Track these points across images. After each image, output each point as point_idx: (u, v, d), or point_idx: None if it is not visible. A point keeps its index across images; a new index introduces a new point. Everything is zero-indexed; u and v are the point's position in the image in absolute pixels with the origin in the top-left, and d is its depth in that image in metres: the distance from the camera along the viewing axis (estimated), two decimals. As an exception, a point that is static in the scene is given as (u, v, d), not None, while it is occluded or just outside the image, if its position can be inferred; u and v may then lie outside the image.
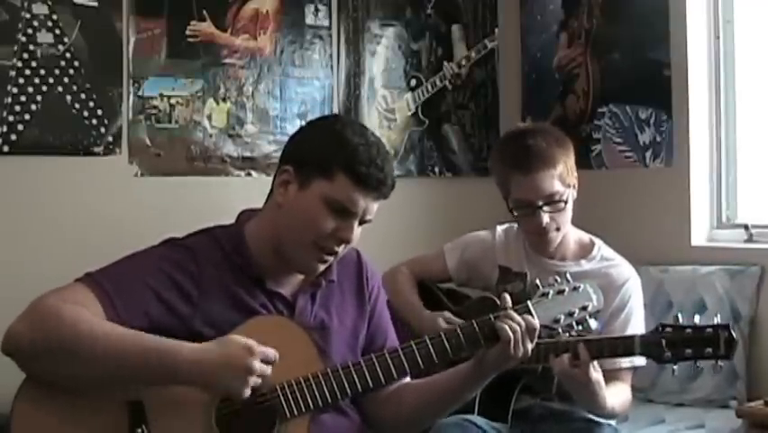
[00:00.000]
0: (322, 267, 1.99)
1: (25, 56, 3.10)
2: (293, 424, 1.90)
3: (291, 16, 3.67)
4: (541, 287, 2.07)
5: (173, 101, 3.41)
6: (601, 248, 2.63)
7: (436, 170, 4.02)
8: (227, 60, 3.53)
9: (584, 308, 2.06)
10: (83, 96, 3.21)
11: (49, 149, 3.15)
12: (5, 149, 3.07)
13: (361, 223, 1.97)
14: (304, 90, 3.69)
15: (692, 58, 3.59)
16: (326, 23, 3.76)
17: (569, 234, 2.60)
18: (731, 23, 3.62)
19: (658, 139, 3.68)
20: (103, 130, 3.26)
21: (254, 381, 1.81)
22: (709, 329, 2.16)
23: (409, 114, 3.97)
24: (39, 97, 3.13)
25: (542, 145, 2.48)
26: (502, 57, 4.16)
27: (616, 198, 3.77)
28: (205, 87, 3.48)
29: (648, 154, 3.71)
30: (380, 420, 2.09)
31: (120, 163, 3.30)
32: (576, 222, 2.61)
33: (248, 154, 3.55)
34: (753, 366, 3.28)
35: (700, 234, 3.61)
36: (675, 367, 2.19)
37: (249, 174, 3.55)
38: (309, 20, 3.72)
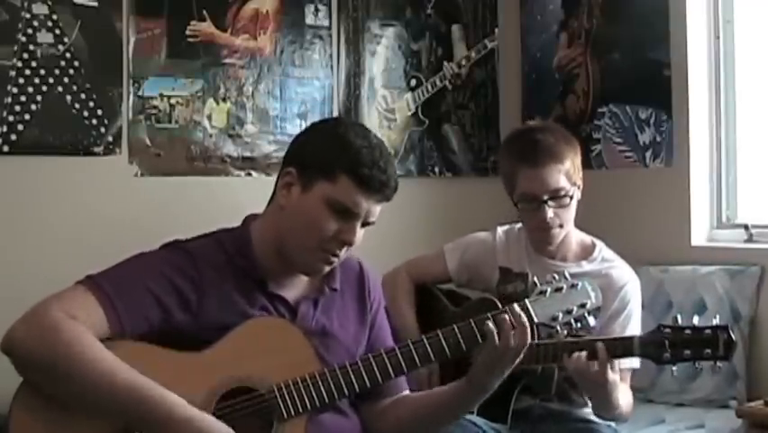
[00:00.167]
0: (327, 268, 2.00)
1: (25, 56, 3.10)
2: (290, 424, 1.90)
3: (291, 16, 3.67)
4: (539, 285, 2.07)
5: (173, 101, 3.41)
6: (602, 250, 2.63)
7: (436, 170, 4.02)
8: (227, 60, 3.52)
9: (582, 306, 2.06)
10: (83, 96, 3.21)
11: (49, 149, 3.15)
12: (5, 149, 3.06)
13: (363, 225, 1.97)
14: (304, 90, 3.69)
15: (692, 58, 3.59)
16: (326, 23, 3.76)
17: (571, 235, 2.61)
18: (731, 23, 3.62)
19: (658, 139, 3.68)
20: (103, 130, 3.25)
21: None
22: (708, 330, 2.17)
23: (409, 114, 3.96)
24: (39, 97, 3.12)
25: (550, 140, 2.50)
26: (502, 57, 4.16)
27: (616, 198, 3.77)
28: (205, 87, 3.47)
29: (648, 154, 3.71)
30: (379, 432, 2.09)
31: (120, 163, 3.30)
32: (576, 222, 2.61)
33: (248, 154, 3.55)
34: (753, 366, 3.28)
35: (700, 234, 3.61)
36: (674, 368, 2.19)
37: (249, 174, 3.55)
38: (309, 20, 3.71)
